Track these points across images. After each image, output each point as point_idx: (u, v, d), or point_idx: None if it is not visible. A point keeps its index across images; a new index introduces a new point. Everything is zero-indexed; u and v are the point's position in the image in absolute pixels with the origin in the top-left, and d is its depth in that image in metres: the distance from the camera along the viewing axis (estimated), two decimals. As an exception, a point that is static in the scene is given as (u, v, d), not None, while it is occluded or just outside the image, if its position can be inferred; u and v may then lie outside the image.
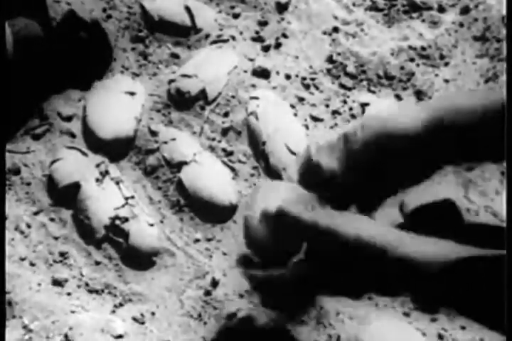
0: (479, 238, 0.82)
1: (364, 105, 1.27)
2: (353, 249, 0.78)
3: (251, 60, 1.29)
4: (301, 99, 1.27)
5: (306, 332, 1.11)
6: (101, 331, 1.09)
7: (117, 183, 1.20)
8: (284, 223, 0.82)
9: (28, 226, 1.19)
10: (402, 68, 1.30)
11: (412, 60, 1.30)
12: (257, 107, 1.23)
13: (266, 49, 1.30)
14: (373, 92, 1.29)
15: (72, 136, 1.25)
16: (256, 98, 1.24)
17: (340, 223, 0.78)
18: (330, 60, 1.29)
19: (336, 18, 1.32)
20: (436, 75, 1.30)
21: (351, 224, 0.78)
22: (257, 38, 1.31)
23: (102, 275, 1.17)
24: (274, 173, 1.21)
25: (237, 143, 1.24)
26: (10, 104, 1.19)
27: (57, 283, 1.15)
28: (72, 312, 1.12)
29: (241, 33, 1.31)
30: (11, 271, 1.14)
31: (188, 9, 1.31)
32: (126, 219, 1.17)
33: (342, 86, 1.29)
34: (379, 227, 0.79)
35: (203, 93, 1.26)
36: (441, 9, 1.32)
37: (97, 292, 1.16)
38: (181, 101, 1.26)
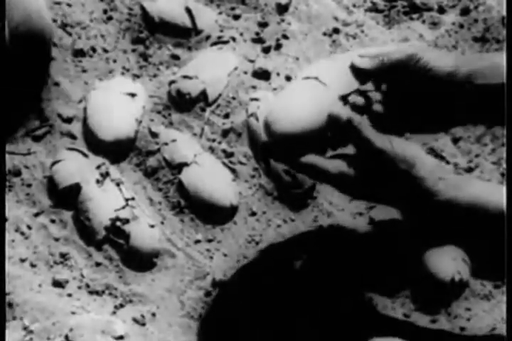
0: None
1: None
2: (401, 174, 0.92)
3: (251, 61, 1.29)
4: (302, 100, 1.27)
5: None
6: (101, 332, 1.09)
7: (118, 185, 1.20)
8: (347, 129, 0.94)
9: (29, 227, 1.19)
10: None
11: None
12: (257, 109, 1.23)
13: (266, 50, 1.30)
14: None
15: (73, 137, 1.25)
16: (256, 99, 1.24)
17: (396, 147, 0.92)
18: (330, 61, 1.29)
19: (336, 19, 1.32)
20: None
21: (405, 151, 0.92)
22: (258, 39, 1.31)
23: (103, 276, 1.17)
24: (274, 174, 1.21)
25: (237, 144, 1.24)
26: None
27: (57, 284, 1.15)
28: (73, 313, 1.12)
29: (241, 34, 1.31)
30: (12, 272, 1.15)
31: (188, 10, 1.31)
32: (126, 221, 1.17)
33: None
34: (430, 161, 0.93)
35: (203, 94, 1.26)
36: (442, 10, 1.32)
37: (97, 293, 1.16)
38: (182, 103, 1.26)
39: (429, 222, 0.96)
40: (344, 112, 0.95)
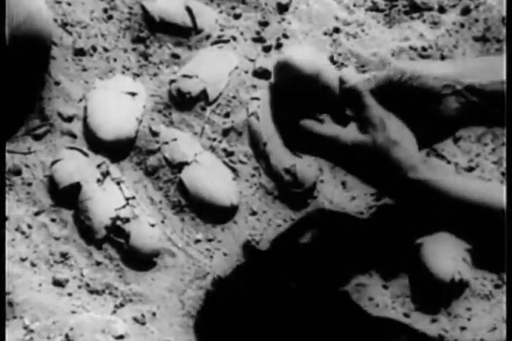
0: None
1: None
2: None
3: (252, 60, 1.29)
4: (302, 100, 1.27)
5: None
6: (102, 331, 1.09)
7: (118, 184, 1.20)
8: (349, 94, 0.96)
9: (29, 226, 1.19)
10: (402, 69, 1.30)
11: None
12: (257, 108, 1.23)
13: (267, 49, 1.30)
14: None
15: (73, 136, 1.25)
16: (257, 99, 1.24)
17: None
18: (331, 60, 1.29)
19: (336, 18, 1.32)
20: (437, 76, 1.30)
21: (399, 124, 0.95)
22: (258, 39, 1.31)
23: (103, 275, 1.17)
24: (274, 174, 1.21)
25: (237, 143, 1.24)
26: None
27: (58, 283, 1.15)
28: (73, 312, 1.12)
29: (242, 34, 1.31)
30: (12, 271, 1.15)
31: (189, 10, 1.31)
32: (127, 220, 1.17)
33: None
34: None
35: (203, 93, 1.26)
36: (442, 10, 1.32)
37: (97, 292, 1.16)
38: (182, 102, 1.26)
39: (407, 202, 0.97)
40: (354, 77, 0.96)
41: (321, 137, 0.94)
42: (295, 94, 0.96)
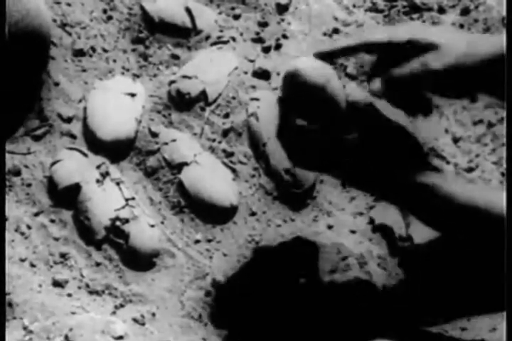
0: None
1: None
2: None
3: (251, 61, 1.29)
4: (302, 100, 1.27)
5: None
6: (101, 332, 1.09)
7: (118, 184, 1.20)
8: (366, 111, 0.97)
9: (29, 227, 1.19)
10: (402, 69, 1.30)
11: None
12: (257, 108, 1.23)
13: (266, 50, 1.31)
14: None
15: (73, 137, 1.25)
16: (256, 99, 1.25)
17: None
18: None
19: (336, 19, 1.32)
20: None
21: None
22: (258, 39, 1.31)
23: (103, 276, 1.17)
24: (274, 174, 1.21)
25: (237, 144, 1.24)
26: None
27: (57, 284, 1.15)
28: (73, 313, 1.12)
29: (241, 34, 1.31)
30: (12, 272, 1.14)
31: (188, 10, 1.31)
32: (126, 221, 1.17)
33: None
34: None
35: (203, 94, 1.26)
36: (442, 10, 1.32)
37: (97, 293, 1.16)
38: (182, 103, 1.26)
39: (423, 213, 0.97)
40: (362, 95, 0.96)
41: (326, 151, 0.95)
42: (303, 104, 0.97)
